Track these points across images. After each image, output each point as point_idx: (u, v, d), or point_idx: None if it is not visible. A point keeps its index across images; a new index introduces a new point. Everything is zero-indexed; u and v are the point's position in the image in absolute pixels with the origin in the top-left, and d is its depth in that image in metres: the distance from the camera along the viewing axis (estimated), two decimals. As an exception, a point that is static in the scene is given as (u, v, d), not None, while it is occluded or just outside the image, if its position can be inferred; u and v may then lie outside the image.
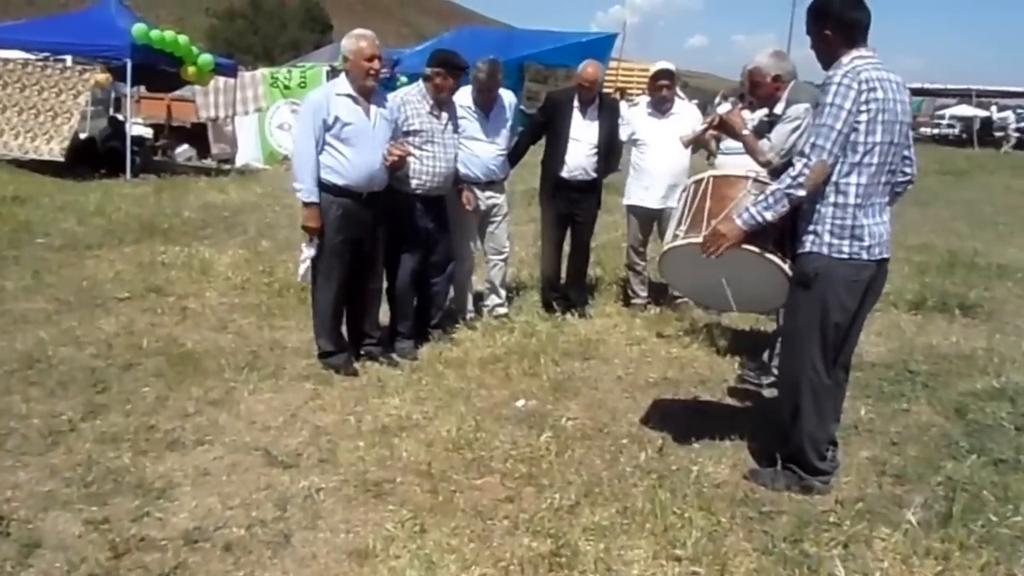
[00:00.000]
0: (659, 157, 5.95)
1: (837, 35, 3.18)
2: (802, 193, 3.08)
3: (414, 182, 4.96)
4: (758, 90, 3.95)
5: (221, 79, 15.45)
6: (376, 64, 4.55)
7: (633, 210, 6.21)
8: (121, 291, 6.23)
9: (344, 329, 4.87)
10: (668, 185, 5.94)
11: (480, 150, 5.47)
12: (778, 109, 3.82)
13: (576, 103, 5.78)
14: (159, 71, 14.04)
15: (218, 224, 9.35)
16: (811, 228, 3.15)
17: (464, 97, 5.45)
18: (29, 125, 12.76)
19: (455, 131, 5.14)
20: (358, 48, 4.47)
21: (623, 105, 6.34)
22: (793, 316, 3.36)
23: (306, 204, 4.47)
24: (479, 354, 5.02)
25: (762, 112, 4.17)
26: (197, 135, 17.00)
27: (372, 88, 4.58)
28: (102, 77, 14.07)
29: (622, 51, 22.57)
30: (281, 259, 7.26)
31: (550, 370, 4.79)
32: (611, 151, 5.90)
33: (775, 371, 4.30)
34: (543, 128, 6.03)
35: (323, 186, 4.49)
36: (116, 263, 7.17)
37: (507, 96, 5.65)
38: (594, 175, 5.90)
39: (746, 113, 4.44)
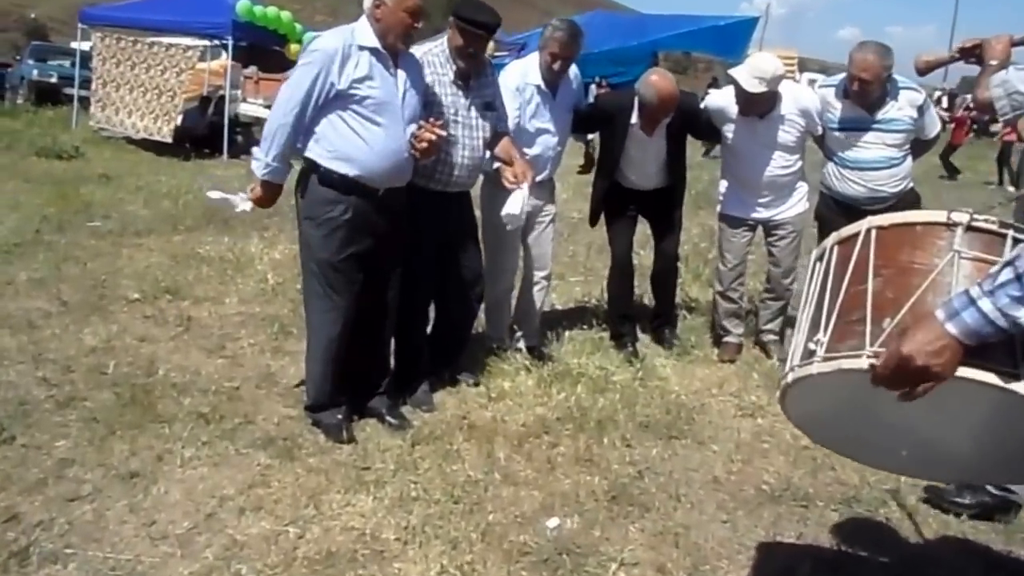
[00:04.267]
0: (755, 164, 4.38)
1: None
2: None
3: (429, 175, 3.62)
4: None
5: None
6: (419, 24, 3.25)
7: (728, 221, 4.61)
8: (134, 291, 5.30)
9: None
10: (773, 190, 4.40)
11: (541, 141, 4.12)
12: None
13: (636, 119, 4.29)
14: (272, 51, 13.55)
15: (288, 213, 8.35)
16: None
17: (528, 70, 4.08)
18: (138, 103, 12.44)
19: (487, 107, 3.73)
20: None
21: (708, 97, 4.71)
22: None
23: (264, 183, 3.27)
24: (520, 417, 3.62)
25: None
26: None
27: (402, 50, 3.31)
28: (217, 64, 13.67)
29: (762, 41, 20.31)
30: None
31: (615, 457, 3.31)
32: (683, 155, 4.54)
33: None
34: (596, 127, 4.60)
35: (326, 179, 3.25)
36: (153, 255, 6.38)
37: (574, 74, 4.28)
38: (667, 184, 4.52)
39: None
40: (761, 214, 4.46)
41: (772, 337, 4.65)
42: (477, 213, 4.04)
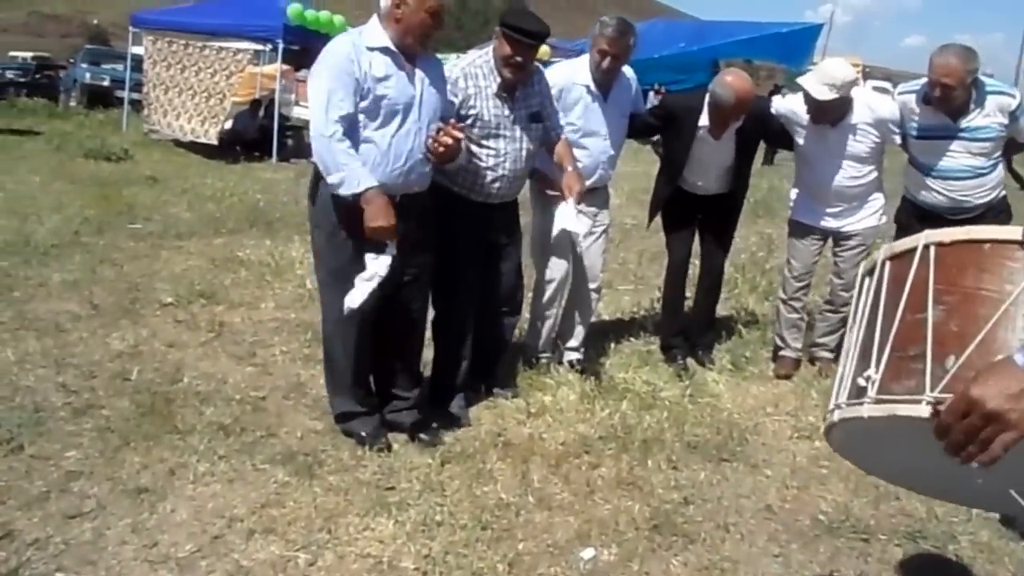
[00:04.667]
0: (825, 173, 4.08)
1: None
2: None
3: (470, 188, 3.42)
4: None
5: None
6: (440, 26, 3.06)
7: (797, 228, 4.30)
8: (168, 295, 5.18)
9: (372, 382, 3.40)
10: (843, 200, 4.10)
11: (592, 146, 3.88)
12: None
13: (705, 121, 4.02)
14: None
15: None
16: None
17: (578, 71, 3.85)
18: (187, 106, 12.49)
19: (533, 118, 3.49)
20: None
21: (774, 101, 4.38)
22: None
23: (359, 196, 2.92)
24: (560, 435, 3.37)
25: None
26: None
27: (420, 52, 3.09)
28: (270, 68, 13.68)
29: (826, 49, 19.64)
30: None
31: (660, 481, 3.04)
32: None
33: None
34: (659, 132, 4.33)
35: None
36: (192, 257, 6.28)
37: (629, 75, 4.01)
38: (729, 189, 4.25)
39: None
40: (830, 224, 4.17)
41: (826, 354, 4.33)
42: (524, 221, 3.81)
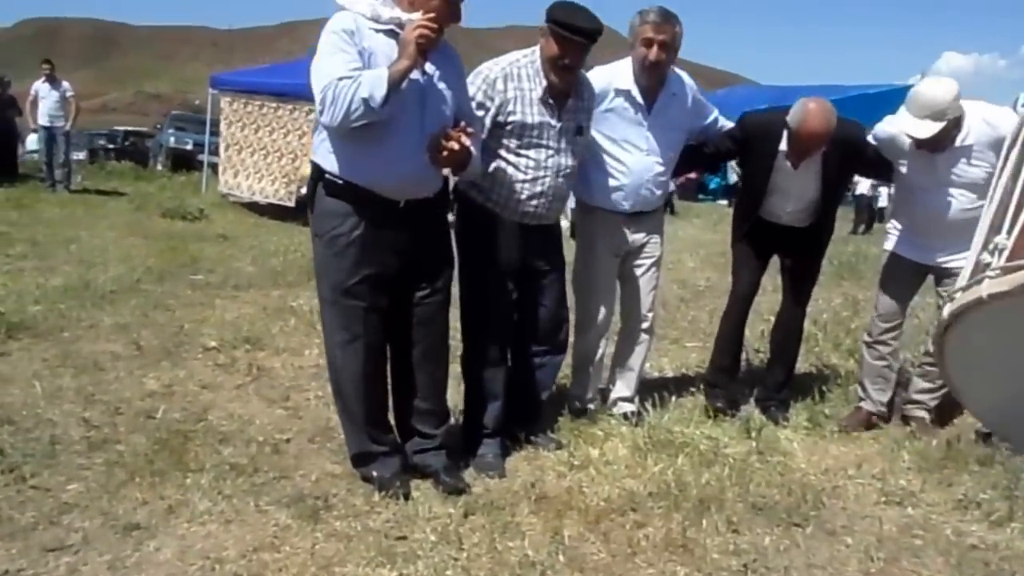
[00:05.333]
0: (931, 203, 3.60)
1: None
2: None
3: (504, 203, 3.12)
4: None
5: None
6: (457, 19, 2.76)
7: (892, 260, 3.84)
8: (214, 339, 5.04)
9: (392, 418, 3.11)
10: (952, 234, 3.53)
11: (632, 163, 3.49)
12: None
13: (784, 147, 3.64)
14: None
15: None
16: None
17: (618, 75, 3.47)
18: (259, 167, 12.68)
19: (579, 132, 3.19)
20: None
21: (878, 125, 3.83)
22: None
23: (395, 84, 2.58)
24: (605, 489, 2.97)
25: None
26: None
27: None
28: None
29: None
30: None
31: (716, 544, 2.61)
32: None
33: None
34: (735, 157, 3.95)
35: (331, 188, 2.78)
36: (245, 306, 6.16)
37: (684, 81, 3.60)
38: (811, 224, 3.81)
39: None
40: (934, 259, 3.68)
41: (923, 413, 3.81)
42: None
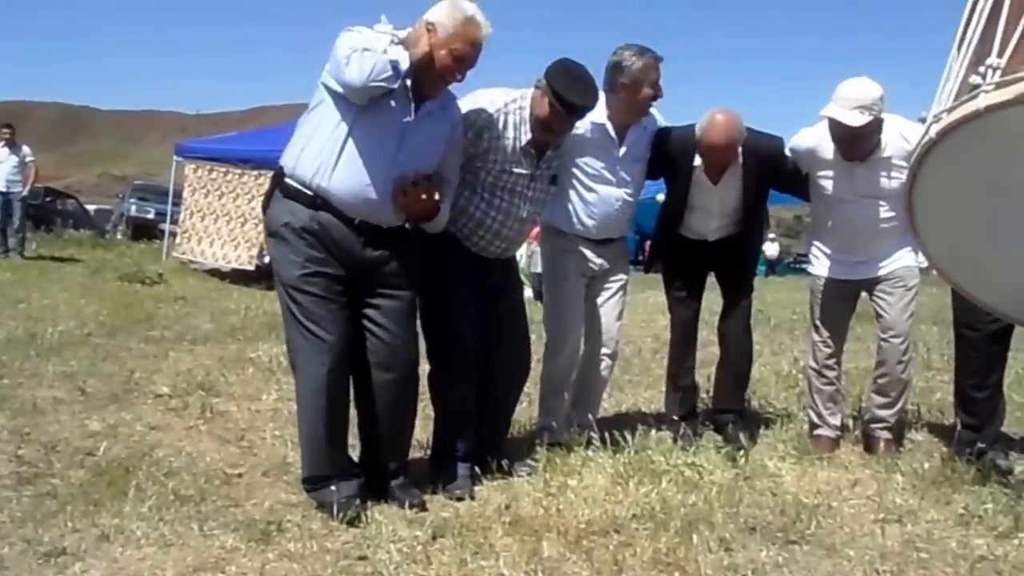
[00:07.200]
0: (853, 217, 3.58)
1: None
2: None
3: (467, 237, 3.08)
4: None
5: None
6: (463, 72, 2.74)
7: (821, 284, 3.74)
8: (166, 386, 4.75)
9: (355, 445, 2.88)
10: (876, 245, 3.58)
11: (603, 193, 3.48)
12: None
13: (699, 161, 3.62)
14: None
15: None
16: None
17: (594, 110, 3.42)
18: (221, 232, 12.48)
19: (552, 181, 3.19)
20: (460, 27, 2.65)
21: (796, 137, 3.77)
22: None
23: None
24: (584, 512, 2.74)
25: None
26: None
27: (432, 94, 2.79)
28: None
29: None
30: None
31: (709, 561, 2.38)
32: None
33: None
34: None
35: (287, 190, 2.71)
36: (202, 357, 5.88)
37: (651, 116, 3.59)
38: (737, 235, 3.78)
39: None
40: (861, 274, 3.64)
41: (886, 433, 3.67)
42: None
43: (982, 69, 1.01)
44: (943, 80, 1.11)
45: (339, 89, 2.59)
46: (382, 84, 2.52)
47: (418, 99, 2.71)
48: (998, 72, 0.99)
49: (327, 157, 2.64)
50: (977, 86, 1.00)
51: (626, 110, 3.42)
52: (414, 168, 2.70)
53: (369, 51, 2.51)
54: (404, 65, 2.54)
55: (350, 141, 2.62)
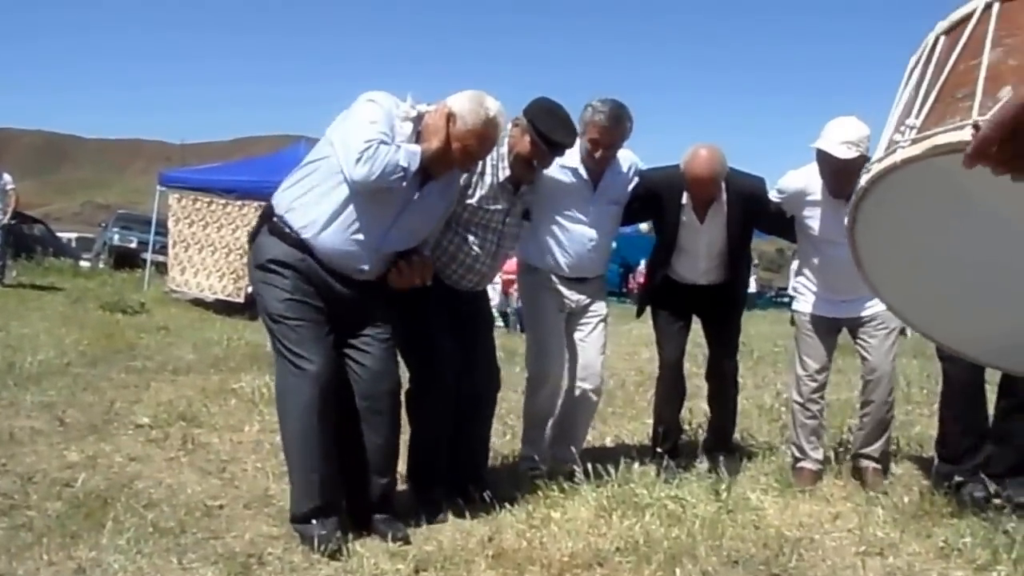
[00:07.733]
0: (839, 255, 3.61)
1: None
2: None
3: (441, 270, 3.13)
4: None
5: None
6: (471, 166, 2.91)
7: (806, 320, 3.80)
8: (147, 416, 4.71)
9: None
10: (858, 283, 3.56)
11: (576, 233, 3.53)
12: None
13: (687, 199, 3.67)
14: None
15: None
16: None
17: (568, 153, 3.48)
18: (206, 263, 12.44)
19: (526, 216, 3.28)
20: (480, 127, 2.72)
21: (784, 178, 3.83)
22: None
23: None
24: (568, 545, 2.74)
25: None
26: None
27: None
28: None
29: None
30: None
31: (692, 593, 2.39)
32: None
33: None
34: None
35: (276, 229, 2.76)
36: (183, 387, 5.83)
37: (627, 159, 3.64)
38: (725, 279, 3.83)
39: None
40: (845, 313, 3.69)
41: (873, 464, 3.70)
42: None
43: (903, 129, 1.14)
44: (880, 139, 1.27)
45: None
46: (390, 184, 2.59)
47: (424, 177, 2.76)
48: (913, 131, 1.14)
49: (319, 216, 2.68)
50: (897, 142, 1.13)
51: (585, 155, 3.50)
52: (405, 242, 2.79)
53: (384, 146, 2.55)
54: (415, 167, 2.60)
55: (348, 208, 2.67)
